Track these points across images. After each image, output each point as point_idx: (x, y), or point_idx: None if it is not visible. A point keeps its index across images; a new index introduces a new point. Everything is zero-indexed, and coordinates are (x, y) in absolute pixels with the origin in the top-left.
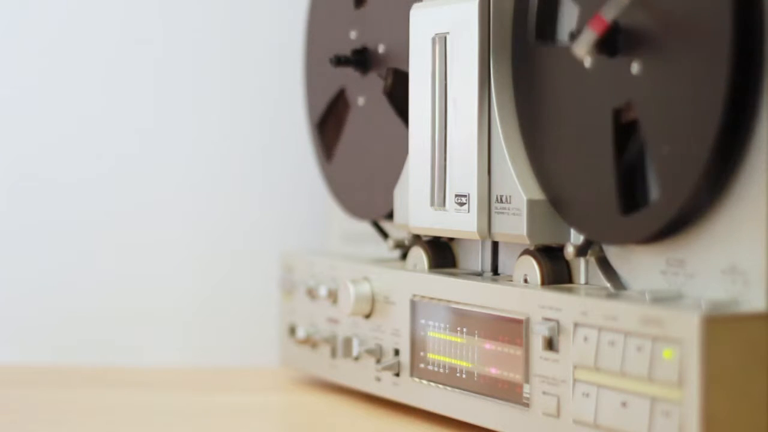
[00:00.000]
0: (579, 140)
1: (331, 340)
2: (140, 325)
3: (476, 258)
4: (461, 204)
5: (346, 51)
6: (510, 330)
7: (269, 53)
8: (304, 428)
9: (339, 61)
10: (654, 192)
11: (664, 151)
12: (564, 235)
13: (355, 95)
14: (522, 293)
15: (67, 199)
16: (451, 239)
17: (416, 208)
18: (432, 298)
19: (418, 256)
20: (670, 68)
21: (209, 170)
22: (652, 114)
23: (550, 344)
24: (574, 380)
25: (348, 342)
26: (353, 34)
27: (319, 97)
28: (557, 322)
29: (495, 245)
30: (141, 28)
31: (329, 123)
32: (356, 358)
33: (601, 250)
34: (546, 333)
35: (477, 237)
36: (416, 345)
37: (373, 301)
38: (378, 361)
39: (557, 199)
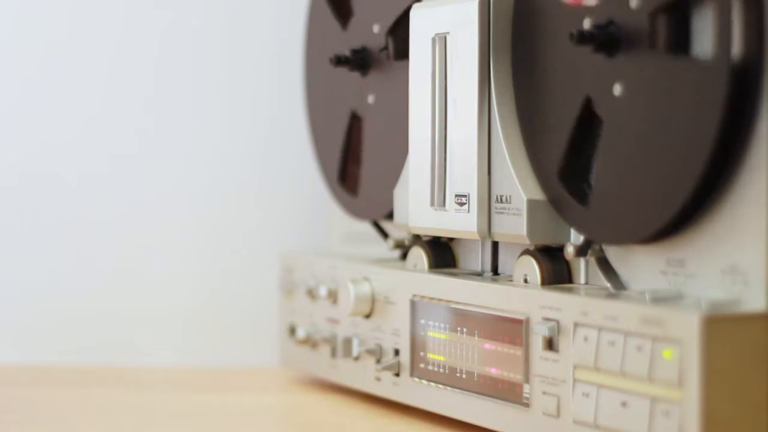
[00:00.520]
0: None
1: (331, 340)
2: (140, 325)
3: (476, 258)
4: (461, 204)
5: (344, 51)
6: (510, 330)
7: (269, 53)
8: (304, 428)
9: (339, 61)
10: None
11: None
12: (564, 235)
13: (363, 102)
14: (522, 293)
15: (67, 199)
16: (451, 239)
17: (416, 208)
18: (432, 298)
19: (418, 256)
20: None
21: (209, 170)
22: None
23: (550, 344)
24: (574, 380)
25: (348, 342)
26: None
27: (332, 148)
28: (557, 322)
29: (495, 245)
30: (141, 28)
31: (348, 168)
32: (356, 358)
33: (601, 250)
34: (546, 333)
35: (477, 237)
36: (416, 345)
37: (373, 301)
38: (378, 361)
39: (557, 199)
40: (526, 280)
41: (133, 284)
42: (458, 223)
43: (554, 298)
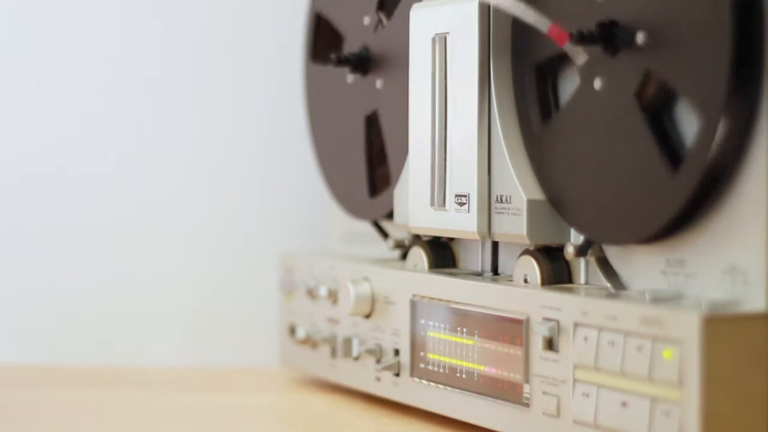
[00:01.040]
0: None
1: (331, 340)
2: (140, 325)
3: (476, 258)
4: (461, 204)
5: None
6: (510, 330)
7: (269, 54)
8: (304, 428)
9: (339, 60)
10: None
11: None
12: (564, 235)
13: (372, 102)
14: (522, 293)
15: (67, 199)
16: (451, 239)
17: (416, 208)
18: (432, 298)
19: (418, 256)
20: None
21: (209, 170)
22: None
23: (550, 344)
24: (574, 380)
25: (348, 342)
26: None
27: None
28: (557, 322)
29: (495, 245)
30: (142, 28)
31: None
32: (356, 358)
33: (601, 250)
34: (546, 333)
35: (477, 237)
36: (416, 345)
37: (373, 301)
38: (378, 361)
39: (557, 199)
40: (526, 280)
41: (133, 284)
42: (458, 223)
43: (554, 298)
